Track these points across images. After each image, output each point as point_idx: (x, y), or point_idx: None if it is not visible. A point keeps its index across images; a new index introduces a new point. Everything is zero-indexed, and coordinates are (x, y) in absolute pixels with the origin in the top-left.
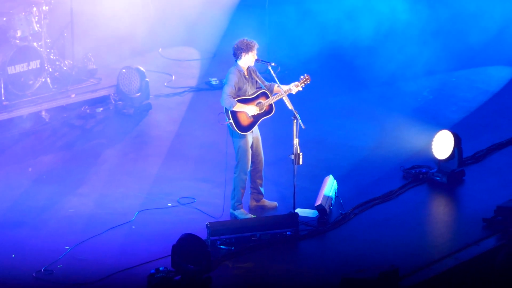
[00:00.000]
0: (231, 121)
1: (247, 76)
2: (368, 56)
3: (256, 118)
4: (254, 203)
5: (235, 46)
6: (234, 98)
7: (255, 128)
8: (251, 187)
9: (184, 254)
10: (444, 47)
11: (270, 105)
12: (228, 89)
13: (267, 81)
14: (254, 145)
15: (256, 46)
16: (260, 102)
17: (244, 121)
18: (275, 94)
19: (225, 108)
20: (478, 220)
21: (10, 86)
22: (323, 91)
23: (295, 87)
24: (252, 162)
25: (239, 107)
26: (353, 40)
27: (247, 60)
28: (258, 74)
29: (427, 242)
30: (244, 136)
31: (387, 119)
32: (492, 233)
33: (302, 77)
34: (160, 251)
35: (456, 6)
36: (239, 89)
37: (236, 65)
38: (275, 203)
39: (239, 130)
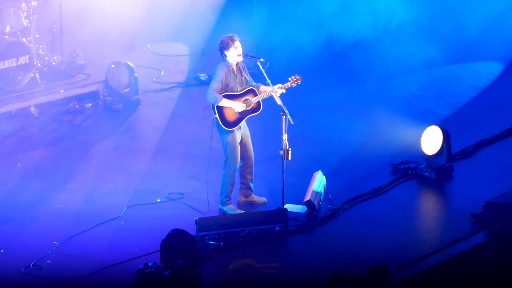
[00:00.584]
0: (217, 116)
1: (236, 72)
2: (357, 51)
3: (242, 114)
4: (243, 199)
5: (218, 45)
6: (221, 93)
7: (243, 124)
8: (240, 183)
9: (173, 249)
10: (433, 43)
11: (258, 103)
12: (215, 84)
13: (255, 78)
14: (243, 141)
15: (236, 39)
16: (247, 99)
17: (230, 117)
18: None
19: (212, 103)
20: (467, 216)
21: None
22: (312, 86)
23: (279, 89)
24: (241, 157)
25: (225, 103)
26: (343, 35)
27: (232, 56)
28: (247, 72)
29: (416, 238)
30: (232, 132)
31: (376, 115)
32: (481, 228)
33: (293, 77)
34: (149, 246)
35: (445, 2)
36: (227, 85)
37: (225, 61)
38: (264, 199)
39: (224, 126)
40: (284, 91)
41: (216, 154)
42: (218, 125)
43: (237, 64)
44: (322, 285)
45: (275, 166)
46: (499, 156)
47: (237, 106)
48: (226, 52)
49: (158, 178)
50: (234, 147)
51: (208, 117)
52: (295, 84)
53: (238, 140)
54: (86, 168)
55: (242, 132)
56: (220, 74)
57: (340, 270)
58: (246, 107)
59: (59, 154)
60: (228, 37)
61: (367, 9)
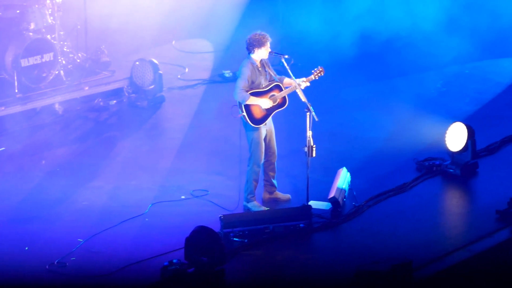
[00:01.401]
0: (245, 114)
1: (260, 69)
2: (381, 47)
3: (269, 111)
4: (268, 196)
5: (248, 40)
6: (248, 91)
7: (269, 121)
8: (264, 180)
9: (197, 246)
10: (458, 39)
11: (284, 98)
12: (241, 83)
13: (280, 74)
14: (267, 138)
15: (269, 40)
16: (273, 95)
17: (258, 114)
18: (288, 87)
19: (238, 101)
20: (491, 212)
21: (23, 78)
22: (336, 83)
23: (303, 83)
24: (265, 154)
25: (252, 100)
26: (370, 31)
27: (260, 54)
28: (270, 67)
29: (441, 234)
30: (258, 129)
31: (401, 111)
32: (506, 225)
33: (316, 69)
34: (174, 243)
35: None
36: (253, 82)
37: (249, 58)
38: (288, 196)
39: (252, 123)
40: (308, 84)
41: (244, 152)
42: (245, 122)
43: (260, 60)
44: (347, 282)
45: (299, 163)
46: None
47: (265, 103)
48: (256, 50)
49: (182, 175)
50: (259, 144)
51: (235, 116)
52: (318, 76)
53: (263, 137)
54: (110, 165)
55: (267, 128)
56: (246, 72)
57: (364, 267)
58: (273, 102)
59: (84, 151)
60: (262, 35)
61: (398, 5)
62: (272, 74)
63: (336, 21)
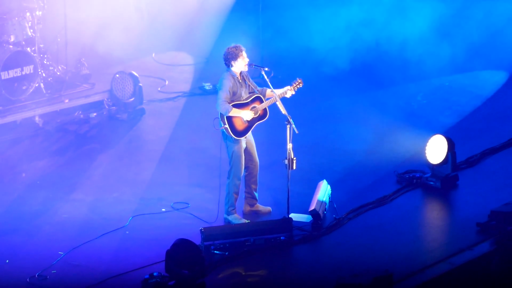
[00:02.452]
0: (227, 126)
1: (240, 81)
2: (360, 60)
3: (251, 122)
4: (248, 208)
5: (224, 55)
6: (230, 103)
7: (249, 133)
8: (245, 192)
9: (178, 259)
10: (438, 51)
11: (264, 110)
12: (223, 95)
13: (260, 86)
14: (248, 150)
15: (242, 50)
16: (254, 107)
17: (240, 126)
18: (268, 98)
19: (220, 113)
20: (472, 225)
21: (3, 91)
22: (317, 95)
23: (288, 91)
24: (246, 167)
25: (234, 112)
26: (348, 44)
27: (238, 65)
28: (250, 79)
29: (421, 247)
30: (238, 141)
31: (381, 124)
32: (486, 237)
33: (294, 81)
34: (154, 256)
35: (450, 10)
36: (234, 94)
37: (229, 70)
38: (269, 208)
39: (234, 135)
40: (293, 92)
41: (224, 164)
42: (226, 135)
43: (240, 72)
44: None
45: (280, 175)
46: (504, 165)
47: (246, 114)
48: (233, 63)
49: (163, 187)
50: (239, 156)
51: (217, 128)
52: (296, 88)
53: (243, 149)
54: (91, 178)
55: (247, 140)
56: (227, 83)
57: (345, 279)
58: (254, 114)
59: (64, 164)
60: (235, 47)
61: (379, 20)
62: (252, 86)
63: (317, 34)
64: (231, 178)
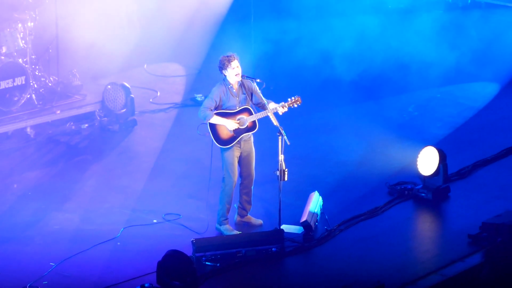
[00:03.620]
0: (210, 133)
1: (235, 91)
2: (352, 70)
3: (237, 133)
4: (239, 219)
5: (218, 64)
6: (214, 110)
7: (248, 143)
8: (238, 201)
9: (169, 270)
10: (429, 64)
11: (254, 122)
12: (207, 102)
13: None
14: (244, 160)
15: (233, 59)
16: (242, 117)
17: (224, 134)
18: (261, 111)
19: (201, 119)
20: (463, 236)
21: None
22: (308, 106)
23: (281, 108)
24: (240, 176)
25: (216, 120)
26: (338, 54)
27: (230, 76)
28: (255, 89)
29: (413, 258)
30: (229, 149)
31: (373, 135)
32: (478, 249)
33: (292, 98)
34: (146, 267)
35: (441, 22)
36: (224, 103)
37: (224, 80)
38: (260, 221)
39: (218, 143)
40: (286, 109)
41: (215, 174)
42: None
43: (238, 83)
44: None
45: (271, 187)
46: (495, 177)
47: (229, 123)
48: (224, 72)
49: (154, 198)
50: (231, 165)
51: (203, 134)
52: (293, 105)
53: (236, 158)
54: (82, 189)
55: (243, 150)
56: (215, 92)
57: None
58: (240, 125)
59: (56, 174)
60: (226, 56)
61: (370, 29)
62: (258, 97)
63: (308, 44)
64: (223, 187)
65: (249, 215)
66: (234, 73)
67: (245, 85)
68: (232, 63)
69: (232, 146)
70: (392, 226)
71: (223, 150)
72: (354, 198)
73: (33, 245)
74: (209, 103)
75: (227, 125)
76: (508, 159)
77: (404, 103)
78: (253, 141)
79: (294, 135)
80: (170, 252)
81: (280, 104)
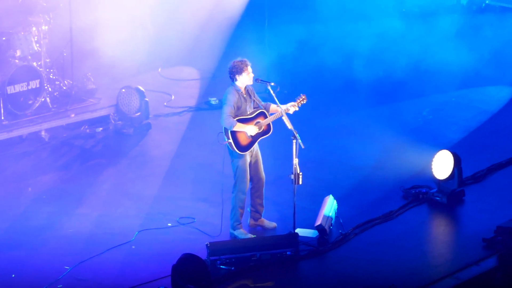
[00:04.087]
0: (231, 140)
1: (245, 96)
2: (369, 74)
3: (254, 137)
4: (253, 222)
5: (229, 69)
6: (234, 117)
7: (256, 148)
8: (250, 205)
9: (184, 274)
10: (444, 67)
11: (268, 125)
12: (228, 109)
13: (265, 101)
14: (254, 164)
15: (248, 65)
16: (258, 122)
17: (243, 140)
18: (273, 113)
19: (225, 128)
20: (478, 240)
21: (9, 105)
22: (323, 110)
23: (292, 107)
24: (251, 180)
25: (239, 127)
26: (354, 58)
27: (243, 80)
28: (255, 94)
29: (427, 262)
30: (243, 156)
31: (387, 139)
32: (492, 253)
33: (298, 97)
34: (160, 271)
35: (456, 26)
36: (238, 108)
37: (234, 85)
38: (274, 224)
39: (238, 150)
40: (297, 108)
41: (227, 179)
42: (230, 149)
43: (245, 87)
44: None
45: (286, 190)
46: (510, 181)
47: (251, 129)
48: (237, 77)
49: (169, 202)
50: (244, 171)
51: (221, 143)
52: (300, 104)
53: (248, 163)
54: (96, 193)
55: (253, 155)
56: (231, 98)
57: None
58: (258, 129)
59: (70, 178)
60: (240, 61)
61: (386, 31)
62: (257, 101)
63: (322, 47)
64: (235, 193)
65: (262, 218)
66: (249, 77)
67: (249, 89)
68: (248, 67)
69: (247, 153)
70: (407, 230)
71: (237, 157)
72: (368, 202)
73: (48, 249)
74: (230, 110)
75: (248, 131)
76: None
77: (419, 107)
78: (268, 145)
79: (309, 139)
80: (184, 256)
81: (290, 103)
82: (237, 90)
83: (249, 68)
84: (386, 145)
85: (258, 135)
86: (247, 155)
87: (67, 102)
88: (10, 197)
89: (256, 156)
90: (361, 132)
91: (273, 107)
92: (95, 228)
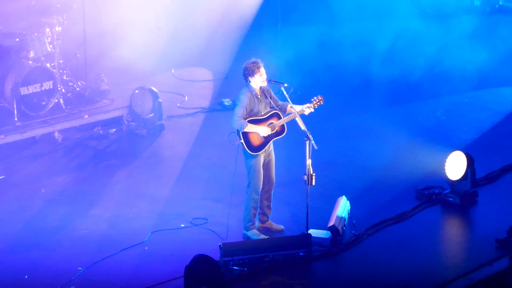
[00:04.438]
0: (242, 141)
1: (259, 97)
2: (381, 75)
3: (267, 138)
4: (260, 225)
5: (242, 71)
6: (246, 118)
7: (270, 149)
8: (258, 207)
9: (197, 275)
10: (458, 68)
11: (282, 126)
12: (239, 111)
13: (282, 101)
14: (267, 166)
15: (260, 66)
16: (271, 123)
17: (256, 141)
18: (288, 114)
19: (237, 129)
20: (491, 241)
21: (23, 107)
22: (336, 111)
23: (307, 109)
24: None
25: (250, 128)
26: (367, 59)
27: (256, 81)
28: (272, 94)
29: (440, 263)
30: (256, 156)
31: (400, 140)
32: (505, 253)
33: (315, 98)
34: (173, 272)
35: (469, 27)
36: (251, 110)
37: (248, 85)
38: (281, 227)
39: (250, 150)
40: (312, 110)
41: (241, 180)
42: (244, 149)
43: (260, 88)
44: None
45: (299, 191)
46: None
47: (263, 130)
48: (250, 78)
49: (182, 203)
50: (257, 171)
51: (233, 143)
52: (317, 105)
53: (262, 164)
54: (110, 194)
55: (267, 156)
56: (244, 99)
57: None
58: (271, 130)
59: (83, 179)
60: (253, 63)
61: (400, 34)
62: (273, 102)
63: (336, 48)
64: (249, 193)
65: (270, 221)
66: (261, 79)
67: (265, 90)
68: (261, 69)
69: (260, 153)
70: (420, 230)
71: (251, 157)
72: (381, 202)
73: (61, 250)
74: (241, 111)
75: (260, 132)
76: None
77: (432, 107)
78: (281, 145)
79: (322, 140)
80: (197, 257)
81: (306, 105)
82: (251, 91)
83: (262, 70)
84: (399, 146)
85: (271, 136)
86: (261, 155)
87: (81, 103)
88: (23, 198)
89: (270, 157)
90: (374, 133)
91: (289, 107)
92: (108, 229)
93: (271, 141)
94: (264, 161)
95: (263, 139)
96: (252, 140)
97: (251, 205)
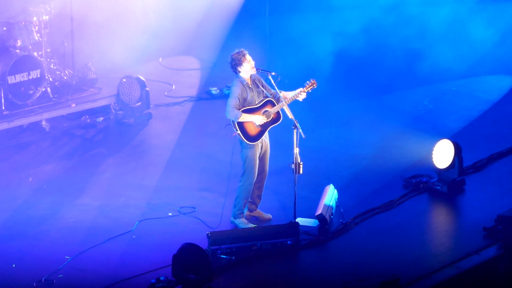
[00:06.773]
0: (239, 132)
1: (251, 86)
2: (368, 64)
3: (264, 127)
4: (248, 213)
5: (229, 63)
6: (240, 109)
7: (266, 139)
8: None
9: (185, 263)
10: (445, 56)
11: (278, 113)
12: (232, 101)
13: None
14: (262, 157)
15: (246, 53)
16: (266, 111)
17: (252, 130)
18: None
19: (232, 120)
20: (478, 229)
21: (10, 95)
22: (324, 99)
23: (301, 94)
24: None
25: (245, 117)
26: (352, 49)
27: (246, 70)
28: (263, 82)
29: (428, 251)
30: (253, 146)
31: (388, 128)
32: (493, 242)
33: (308, 82)
34: (161, 260)
35: (456, 15)
36: (245, 99)
37: (238, 76)
38: (269, 216)
39: (247, 140)
40: (305, 95)
41: (228, 168)
42: (240, 140)
43: (251, 77)
44: None
45: (287, 180)
46: (510, 170)
47: (258, 119)
48: (239, 68)
49: (169, 192)
50: (253, 161)
51: (230, 135)
52: (310, 89)
53: (258, 154)
54: (97, 182)
55: (263, 146)
56: (236, 90)
57: (352, 284)
58: (266, 118)
59: (71, 168)
60: (237, 53)
61: (384, 21)
62: (265, 90)
63: (322, 37)
64: (242, 182)
65: (258, 210)
66: (250, 66)
67: (256, 79)
68: (247, 56)
69: (257, 142)
70: (407, 219)
71: (247, 148)
72: (369, 191)
73: (48, 239)
74: (234, 102)
75: (255, 121)
76: None
77: (419, 96)
78: (269, 134)
79: (309, 129)
80: (185, 245)
81: (298, 90)
82: (242, 82)
83: (248, 57)
84: (387, 134)
85: (267, 124)
86: (258, 146)
87: (68, 92)
88: (11, 187)
89: (266, 148)
90: (362, 122)
91: (284, 94)
92: (96, 218)
93: (267, 130)
94: (260, 152)
95: (260, 127)
96: (248, 130)
97: (243, 194)
